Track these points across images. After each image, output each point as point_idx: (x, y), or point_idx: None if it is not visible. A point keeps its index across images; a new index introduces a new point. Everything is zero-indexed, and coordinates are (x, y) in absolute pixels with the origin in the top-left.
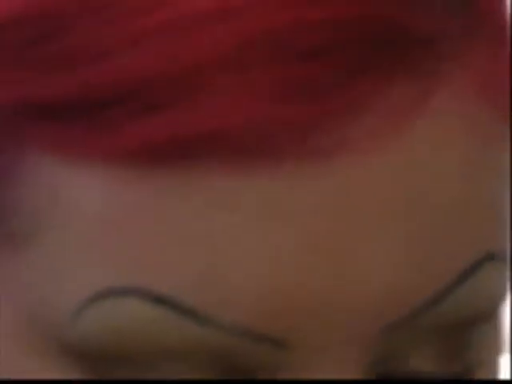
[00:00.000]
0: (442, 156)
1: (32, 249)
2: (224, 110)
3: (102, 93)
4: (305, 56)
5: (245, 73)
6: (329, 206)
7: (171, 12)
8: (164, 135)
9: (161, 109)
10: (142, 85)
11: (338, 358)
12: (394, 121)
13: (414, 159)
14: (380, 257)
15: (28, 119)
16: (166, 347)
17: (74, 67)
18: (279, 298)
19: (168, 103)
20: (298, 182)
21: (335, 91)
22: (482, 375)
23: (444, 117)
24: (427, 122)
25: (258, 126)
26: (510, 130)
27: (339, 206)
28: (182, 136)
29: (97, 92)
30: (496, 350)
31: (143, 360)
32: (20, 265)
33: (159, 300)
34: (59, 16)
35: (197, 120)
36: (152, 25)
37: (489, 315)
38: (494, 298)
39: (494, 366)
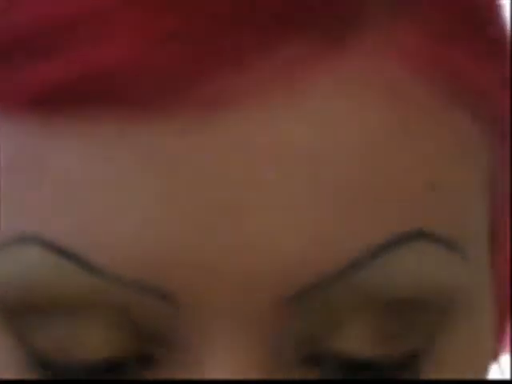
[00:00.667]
0: (343, 121)
1: None
2: (99, 55)
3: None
4: (182, 4)
5: (121, 20)
6: (205, 162)
7: None
8: (51, 81)
9: (48, 56)
10: (34, 31)
11: (235, 325)
12: (285, 77)
13: (309, 119)
14: (277, 219)
15: None
16: (65, 297)
17: None
18: (155, 247)
19: (54, 50)
20: (173, 135)
21: (216, 41)
22: (432, 367)
23: (348, 84)
24: (325, 84)
25: (129, 72)
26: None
27: (219, 161)
28: (65, 81)
29: None
30: (465, 353)
31: (49, 311)
32: None
33: (50, 246)
34: None
35: (75, 65)
36: None
37: (437, 304)
38: (429, 279)
39: (459, 366)
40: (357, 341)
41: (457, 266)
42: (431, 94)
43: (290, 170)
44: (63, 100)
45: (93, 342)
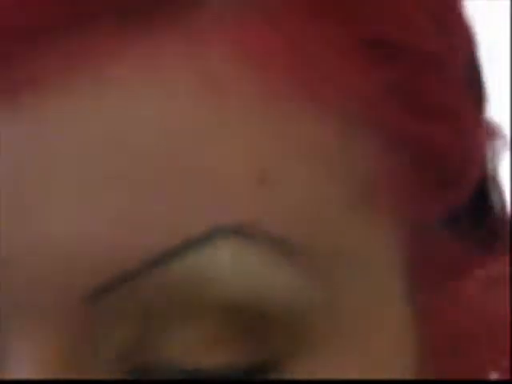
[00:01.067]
0: (141, 109)
1: None
2: None
3: None
4: None
5: None
6: (13, 150)
7: None
8: None
9: None
10: None
11: (35, 322)
12: (71, 65)
13: (106, 109)
14: (70, 216)
15: None
16: None
17: None
18: None
19: None
20: None
21: (18, 28)
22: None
23: (155, 70)
24: (126, 69)
25: None
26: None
27: (25, 149)
28: None
29: None
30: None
31: None
32: None
33: None
34: None
35: None
36: None
37: (273, 315)
38: (246, 280)
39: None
40: (188, 348)
41: (296, 276)
42: (267, 91)
43: (86, 164)
44: None
45: None
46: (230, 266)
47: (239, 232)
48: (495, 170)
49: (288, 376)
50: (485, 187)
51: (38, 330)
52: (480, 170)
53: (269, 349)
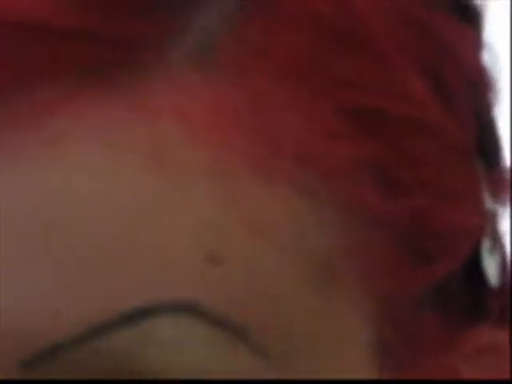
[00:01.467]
0: (94, 176)
1: None
2: None
3: None
4: None
5: None
6: None
7: None
8: None
9: None
10: None
11: None
12: (34, 122)
13: (56, 172)
14: (8, 286)
15: None
16: None
17: None
18: None
19: None
20: None
21: None
22: None
23: (110, 132)
24: (80, 130)
25: None
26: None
27: None
28: None
29: None
30: None
31: None
32: None
33: None
34: None
35: None
36: None
37: None
38: (185, 356)
39: None
40: None
41: (240, 356)
42: (217, 167)
43: (21, 234)
44: None
45: None
46: (170, 341)
47: (182, 309)
48: (498, 233)
49: None
50: (478, 255)
51: None
52: (470, 242)
53: None
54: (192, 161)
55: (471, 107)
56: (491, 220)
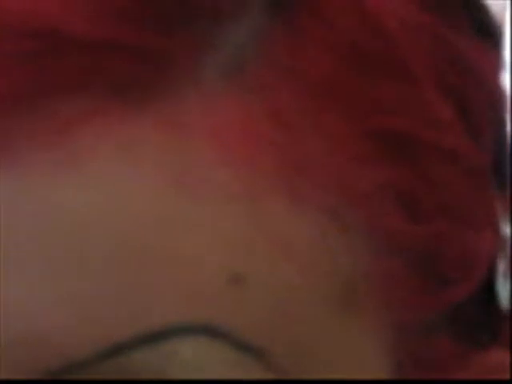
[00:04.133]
0: (120, 190)
1: None
2: None
3: None
4: None
5: None
6: None
7: None
8: None
9: None
10: None
11: None
12: (58, 140)
13: (85, 187)
14: (29, 295)
15: None
16: None
17: None
18: None
19: None
20: None
21: None
22: None
23: (132, 150)
24: (107, 148)
25: None
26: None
27: None
28: None
29: None
30: None
31: None
32: None
33: None
34: None
35: None
36: None
37: None
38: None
39: None
40: None
41: (259, 375)
42: (247, 188)
43: (51, 244)
44: None
45: None
46: (190, 363)
47: (203, 330)
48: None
49: None
50: (491, 280)
51: None
52: (487, 265)
53: None
54: (222, 181)
55: (491, 129)
56: (505, 242)
